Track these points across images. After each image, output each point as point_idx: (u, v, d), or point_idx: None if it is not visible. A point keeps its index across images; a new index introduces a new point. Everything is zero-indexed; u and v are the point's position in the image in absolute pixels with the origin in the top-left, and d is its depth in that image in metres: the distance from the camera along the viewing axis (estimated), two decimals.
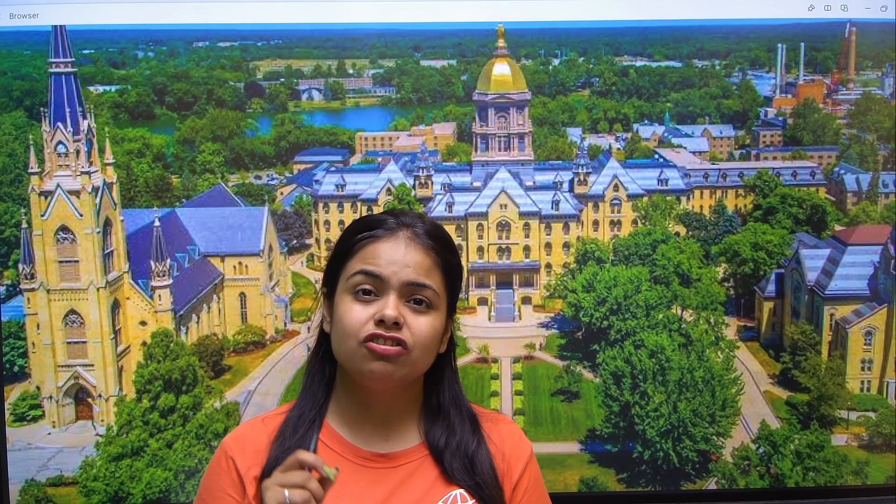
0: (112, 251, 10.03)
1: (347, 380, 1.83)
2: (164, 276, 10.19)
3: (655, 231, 11.34)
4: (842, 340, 10.15)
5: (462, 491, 1.82)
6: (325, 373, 1.89)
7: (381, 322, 1.71)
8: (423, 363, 1.79)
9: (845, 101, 11.49)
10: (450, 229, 11.97)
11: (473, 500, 1.82)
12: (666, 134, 12.73)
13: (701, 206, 11.95)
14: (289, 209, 12.17)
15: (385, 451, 1.83)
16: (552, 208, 11.84)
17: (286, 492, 1.56)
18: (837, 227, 11.10)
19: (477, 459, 1.84)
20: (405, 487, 1.81)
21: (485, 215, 11.89)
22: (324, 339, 1.88)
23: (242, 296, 11.13)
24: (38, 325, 9.70)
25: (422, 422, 1.87)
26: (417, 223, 1.82)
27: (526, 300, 11.68)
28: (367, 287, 1.74)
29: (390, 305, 1.72)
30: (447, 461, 1.83)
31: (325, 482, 1.59)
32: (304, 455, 1.60)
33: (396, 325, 1.72)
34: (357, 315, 1.73)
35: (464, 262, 12.17)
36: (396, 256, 1.75)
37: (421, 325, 1.74)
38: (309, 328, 11.07)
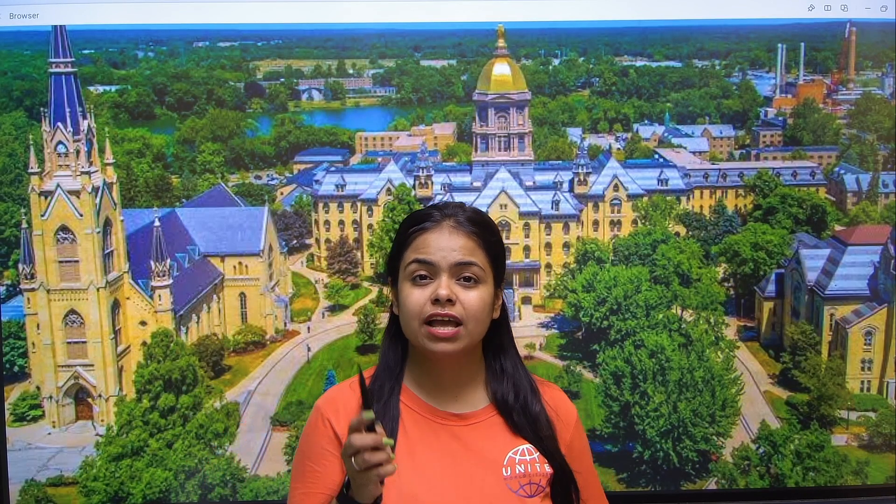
0: (112, 251, 10.03)
1: (418, 353, 2.07)
2: (164, 276, 10.19)
3: (655, 231, 11.34)
4: (842, 340, 10.15)
5: (529, 445, 2.06)
6: (397, 348, 2.11)
7: (436, 301, 1.96)
8: (479, 332, 2.03)
9: (845, 101, 11.49)
10: None
11: (538, 453, 2.06)
12: (666, 134, 12.73)
13: (701, 206, 11.95)
14: (289, 209, 12.17)
15: (458, 412, 2.06)
16: (552, 208, 11.84)
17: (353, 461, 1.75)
18: (837, 227, 11.10)
19: (539, 418, 2.09)
20: (478, 441, 2.04)
21: None
22: (394, 319, 2.12)
23: (242, 296, 11.13)
24: (38, 325, 9.69)
25: (489, 386, 2.10)
26: (459, 213, 2.08)
27: (526, 300, 11.68)
28: (423, 273, 2.00)
29: (443, 285, 1.97)
30: (515, 418, 2.07)
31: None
32: (356, 421, 1.75)
33: (450, 301, 1.96)
34: (416, 298, 1.98)
35: None
36: (443, 243, 2.01)
37: (472, 299, 1.99)
38: (309, 328, 11.09)
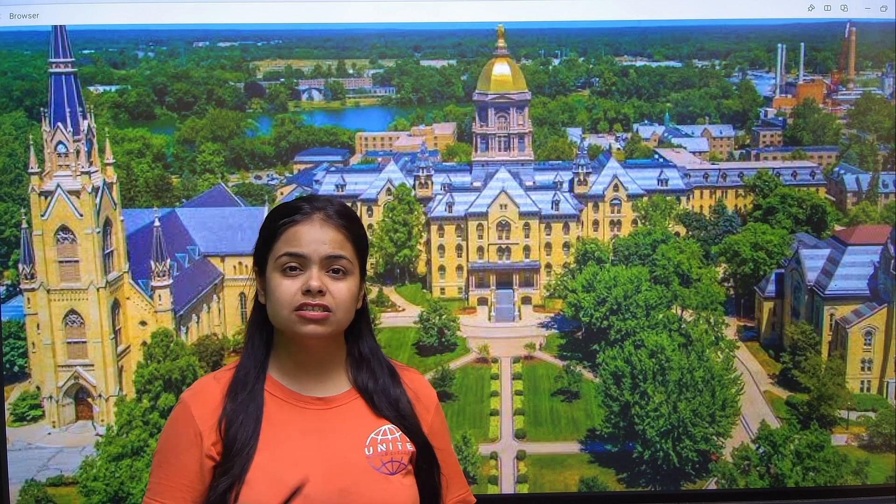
0: (112, 251, 10.03)
1: (284, 339, 2.15)
2: (164, 276, 10.19)
3: (655, 231, 11.34)
4: (842, 340, 10.15)
5: (391, 425, 2.17)
6: (262, 336, 2.19)
7: (307, 292, 2.05)
8: (346, 320, 2.14)
9: (845, 101, 11.49)
10: (450, 229, 11.97)
11: (400, 432, 2.17)
12: (666, 134, 12.73)
13: (701, 206, 11.95)
14: None
15: (321, 396, 2.16)
16: (552, 208, 11.84)
17: None
18: (837, 227, 11.10)
19: (400, 400, 2.21)
20: (341, 422, 2.14)
21: (485, 215, 11.89)
22: (259, 308, 2.19)
23: (242, 296, 11.14)
24: (38, 325, 9.70)
25: (349, 370, 2.22)
26: (328, 206, 2.14)
27: (526, 300, 11.68)
28: (293, 264, 2.08)
29: (314, 277, 2.06)
30: (376, 400, 2.18)
31: None
32: None
33: (321, 292, 2.06)
34: (287, 288, 2.07)
35: (464, 263, 12.20)
36: (314, 235, 2.09)
37: (341, 290, 2.09)
38: None
